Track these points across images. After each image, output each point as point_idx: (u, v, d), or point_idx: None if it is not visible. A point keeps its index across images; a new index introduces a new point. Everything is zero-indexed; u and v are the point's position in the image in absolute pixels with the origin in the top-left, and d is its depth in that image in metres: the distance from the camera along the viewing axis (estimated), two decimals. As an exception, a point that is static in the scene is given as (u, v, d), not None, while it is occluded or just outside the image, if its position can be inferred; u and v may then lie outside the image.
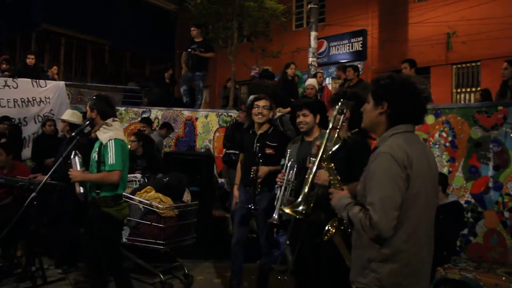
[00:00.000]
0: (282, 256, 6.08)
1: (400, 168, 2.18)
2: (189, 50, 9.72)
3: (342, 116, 3.02)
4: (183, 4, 12.88)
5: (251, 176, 4.51)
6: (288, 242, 5.58)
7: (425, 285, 2.34)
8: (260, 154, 4.51)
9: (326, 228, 2.69)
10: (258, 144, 4.58)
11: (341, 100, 3.04)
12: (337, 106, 2.97)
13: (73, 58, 16.76)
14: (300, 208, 2.75)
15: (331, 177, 2.66)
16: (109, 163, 3.83)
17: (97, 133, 3.98)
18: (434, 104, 7.34)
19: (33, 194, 4.06)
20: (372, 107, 2.39)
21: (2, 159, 5.90)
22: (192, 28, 9.91)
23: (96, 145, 4.00)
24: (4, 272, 5.14)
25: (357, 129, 3.19)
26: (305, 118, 4.05)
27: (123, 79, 17.14)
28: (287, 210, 2.84)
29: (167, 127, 8.61)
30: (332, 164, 2.70)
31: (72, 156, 4.01)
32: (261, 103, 4.74)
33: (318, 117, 4.09)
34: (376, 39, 14.41)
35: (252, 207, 4.51)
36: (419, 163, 2.24)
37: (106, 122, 3.99)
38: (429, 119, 6.32)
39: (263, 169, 4.52)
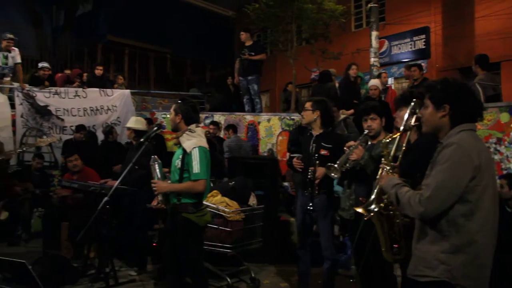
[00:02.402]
0: (348, 260, 5.99)
1: (468, 159, 2.25)
2: (241, 56, 9.78)
3: (414, 116, 2.95)
4: (242, 9, 12.97)
5: (309, 177, 4.42)
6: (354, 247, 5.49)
7: (488, 278, 2.34)
8: (316, 155, 4.43)
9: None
10: (314, 145, 4.50)
11: (413, 100, 2.96)
12: (409, 107, 2.93)
13: (136, 67, 17.42)
14: (372, 206, 2.80)
15: (385, 162, 2.77)
16: (194, 172, 3.72)
17: (180, 139, 3.86)
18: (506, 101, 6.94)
19: (106, 198, 4.18)
20: (433, 111, 2.46)
21: (78, 164, 6.32)
22: (241, 33, 9.95)
23: (179, 151, 3.90)
24: (79, 272, 5.37)
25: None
26: (373, 122, 3.96)
27: (184, 85, 17.58)
28: (360, 210, 2.87)
29: (233, 129, 8.65)
30: (388, 151, 2.83)
31: (151, 162, 3.96)
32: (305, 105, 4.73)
33: (383, 119, 4.00)
34: (440, 36, 13.91)
35: (311, 208, 4.41)
36: (487, 157, 2.35)
37: (189, 128, 3.87)
38: (504, 117, 5.99)
39: (321, 170, 4.33)
